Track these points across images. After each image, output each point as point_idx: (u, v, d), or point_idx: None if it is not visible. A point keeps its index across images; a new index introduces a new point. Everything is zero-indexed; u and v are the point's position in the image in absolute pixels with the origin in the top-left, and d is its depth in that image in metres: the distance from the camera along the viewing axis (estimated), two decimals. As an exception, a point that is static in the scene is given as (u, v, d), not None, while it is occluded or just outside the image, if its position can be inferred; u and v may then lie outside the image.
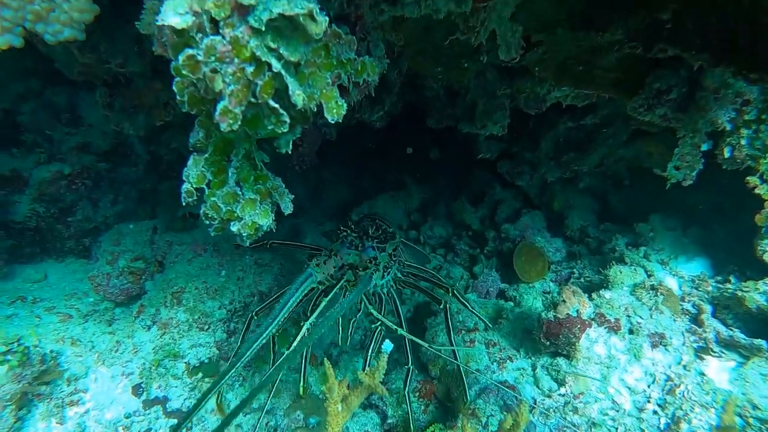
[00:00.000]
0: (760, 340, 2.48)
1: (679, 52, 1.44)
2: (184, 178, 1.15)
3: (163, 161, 4.03)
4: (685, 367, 2.55)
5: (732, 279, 2.88)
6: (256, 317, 2.46)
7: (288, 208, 1.35)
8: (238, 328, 2.86)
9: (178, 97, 1.06)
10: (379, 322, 2.29)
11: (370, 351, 2.21)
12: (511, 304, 3.31)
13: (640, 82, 1.94)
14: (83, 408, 2.51)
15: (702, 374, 2.53)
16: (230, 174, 1.24)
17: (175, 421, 2.61)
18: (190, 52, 0.86)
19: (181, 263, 3.03)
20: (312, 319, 2.01)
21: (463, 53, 1.67)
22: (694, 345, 2.60)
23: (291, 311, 1.82)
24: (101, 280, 2.99)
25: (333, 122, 1.00)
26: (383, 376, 1.82)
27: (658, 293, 2.77)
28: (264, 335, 1.65)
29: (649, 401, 2.54)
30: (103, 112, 2.45)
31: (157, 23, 0.85)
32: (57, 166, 3.46)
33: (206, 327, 2.81)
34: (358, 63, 1.09)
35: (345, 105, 0.99)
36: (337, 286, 2.15)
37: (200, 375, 2.77)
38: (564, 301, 2.70)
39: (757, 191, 2.34)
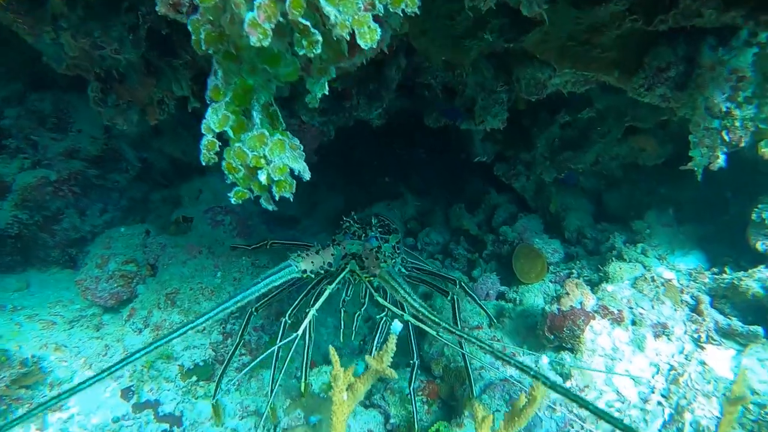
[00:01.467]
0: (756, 326, 2.48)
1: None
2: (203, 131, 1.09)
3: (155, 168, 3.97)
4: (687, 356, 2.53)
5: (728, 270, 2.90)
6: (255, 312, 2.38)
7: (306, 172, 1.28)
8: (234, 329, 2.76)
9: (193, 37, 1.02)
10: (384, 313, 2.23)
11: (376, 340, 2.14)
12: (512, 305, 3.27)
13: (639, 62, 1.97)
14: (66, 413, 2.37)
15: (703, 363, 2.50)
16: (255, 116, 1.16)
17: (167, 425, 2.48)
18: None
19: (176, 265, 2.94)
20: (318, 305, 1.94)
21: (467, 32, 1.68)
22: (695, 335, 2.58)
23: (260, 295, 1.72)
24: (90, 283, 2.88)
25: (366, 48, 0.96)
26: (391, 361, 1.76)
27: (659, 284, 2.76)
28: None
29: (653, 392, 2.51)
30: (95, 108, 2.40)
31: None
32: (43, 171, 3.37)
33: (201, 329, 2.71)
34: None
35: (379, 30, 0.96)
36: (341, 275, 2.09)
37: (194, 378, 2.65)
38: (567, 293, 2.68)
39: None
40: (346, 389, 1.81)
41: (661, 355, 2.56)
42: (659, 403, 2.52)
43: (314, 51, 0.93)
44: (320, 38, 0.92)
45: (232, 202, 1.22)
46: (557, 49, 1.96)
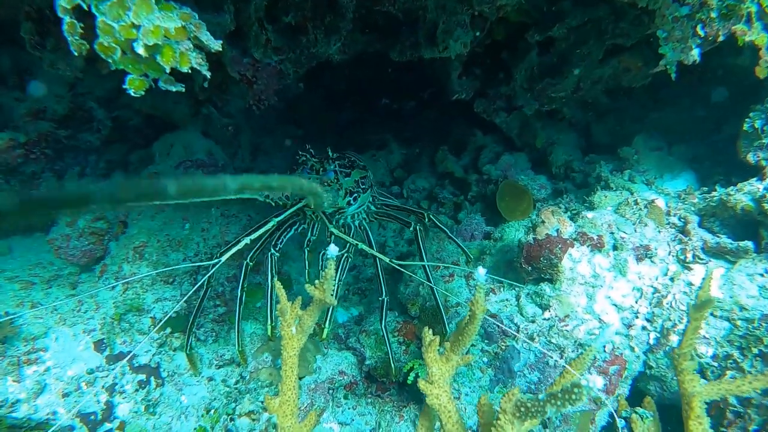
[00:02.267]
0: (746, 241, 2.34)
1: None
2: (59, 13, 0.99)
3: (129, 127, 3.88)
4: (672, 278, 2.41)
5: (718, 188, 2.74)
6: (250, 263, 2.29)
7: (213, 43, 1.16)
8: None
9: None
10: (345, 249, 2.16)
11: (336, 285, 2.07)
12: (493, 241, 3.18)
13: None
14: (43, 367, 2.38)
15: (690, 284, 2.39)
16: None
17: (144, 376, 2.48)
18: None
19: (144, 219, 2.90)
20: (279, 246, 1.87)
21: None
22: (681, 255, 2.46)
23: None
24: (61, 242, 2.86)
25: None
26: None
27: (642, 207, 2.63)
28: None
29: (637, 317, 2.41)
30: (34, 53, 2.29)
31: None
32: (10, 134, 3.30)
33: (171, 280, 2.68)
34: None
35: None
36: (293, 208, 2.02)
37: (168, 330, 2.64)
38: (543, 221, 2.57)
39: (747, 38, 2.03)
40: (295, 323, 1.75)
41: (644, 278, 2.45)
42: (644, 328, 2.43)
43: None
44: None
45: (132, 94, 1.12)
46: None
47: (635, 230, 2.57)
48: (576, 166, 3.57)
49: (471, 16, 2.64)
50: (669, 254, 2.47)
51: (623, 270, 2.47)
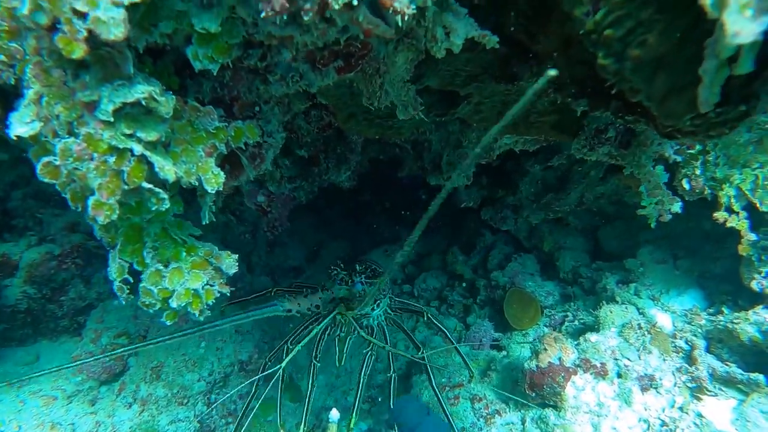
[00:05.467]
0: (757, 374, 2.33)
1: (565, 99, 1.46)
2: (110, 278, 1.16)
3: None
4: (681, 408, 2.39)
5: (725, 310, 2.75)
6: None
7: (232, 267, 1.34)
8: (218, 399, 2.81)
9: (63, 195, 1.09)
10: (369, 348, 2.43)
11: (362, 373, 2.38)
12: (502, 354, 3.20)
13: (579, 124, 1.94)
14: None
15: (701, 416, 2.37)
16: (146, 254, 1.25)
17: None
18: (45, 159, 0.90)
19: (163, 336, 3.02)
20: (303, 342, 2.11)
21: (390, 114, 1.70)
22: (689, 385, 2.45)
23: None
24: (84, 359, 2.99)
25: (213, 192, 1.02)
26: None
27: (646, 333, 2.65)
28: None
29: (646, 451, 2.39)
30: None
31: (10, 135, 0.89)
32: (47, 247, 3.55)
33: (185, 401, 2.76)
34: (232, 129, 1.13)
35: (222, 174, 1.02)
36: (330, 316, 2.33)
37: (181, 451, 2.70)
38: (545, 349, 2.61)
39: (729, 224, 2.27)
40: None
41: (650, 409, 2.44)
42: (653, 462, 2.40)
43: (163, 207, 0.97)
44: (166, 196, 0.96)
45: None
46: (494, 117, 1.95)
47: (639, 357, 2.59)
48: (583, 272, 3.61)
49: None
50: (675, 385, 2.46)
51: (628, 400, 2.47)
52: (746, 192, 2.11)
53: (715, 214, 2.25)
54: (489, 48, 1.22)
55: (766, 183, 2.11)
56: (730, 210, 2.23)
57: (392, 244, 4.80)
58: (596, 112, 1.53)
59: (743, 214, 2.23)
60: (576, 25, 1.03)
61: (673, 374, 2.50)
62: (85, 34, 0.75)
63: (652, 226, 2.16)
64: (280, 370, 2.37)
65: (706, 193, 2.20)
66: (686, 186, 2.20)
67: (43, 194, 3.73)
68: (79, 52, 0.75)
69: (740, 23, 0.53)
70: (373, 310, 2.64)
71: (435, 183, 2.92)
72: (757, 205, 2.21)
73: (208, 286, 1.30)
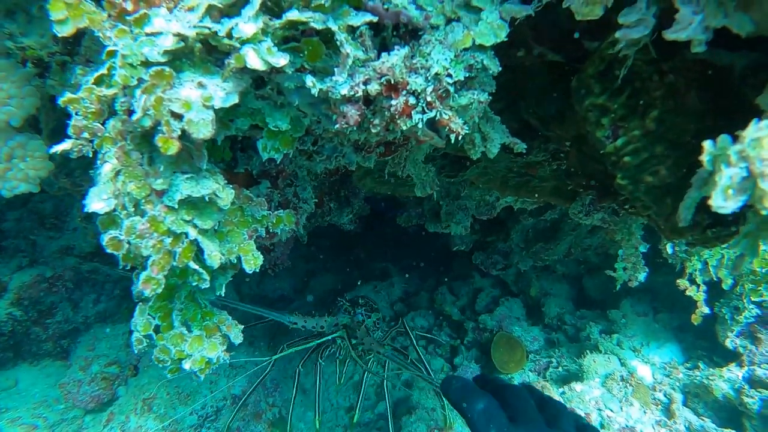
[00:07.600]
0: (729, 430, 2.47)
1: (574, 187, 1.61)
2: (132, 328, 1.23)
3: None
4: (660, 463, 2.51)
5: (701, 365, 2.91)
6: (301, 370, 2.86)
7: (238, 338, 1.42)
8: (209, 433, 2.81)
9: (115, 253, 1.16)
10: (366, 367, 2.69)
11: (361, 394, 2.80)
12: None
13: (576, 190, 2.09)
14: None
15: (680, 470, 2.48)
16: (174, 317, 1.32)
17: None
18: (112, 234, 0.98)
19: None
20: (298, 348, 2.69)
21: (406, 180, 1.83)
22: (669, 439, 2.57)
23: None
24: (72, 387, 2.97)
25: (251, 272, 1.12)
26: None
27: (628, 385, 2.78)
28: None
29: (627, 503, 2.48)
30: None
31: (85, 210, 0.97)
32: (38, 269, 3.53)
33: (176, 435, 2.76)
34: (273, 217, 1.23)
35: (261, 258, 1.12)
36: (331, 335, 2.70)
37: (169, 488, 2.68)
38: (534, 396, 2.70)
39: (688, 293, 2.48)
40: None
41: (632, 461, 2.54)
42: None
43: (203, 286, 1.06)
44: (207, 277, 1.05)
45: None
46: (498, 179, 2.09)
47: (621, 408, 2.70)
48: (568, 319, 3.75)
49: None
50: (655, 438, 2.58)
51: (612, 451, 2.57)
52: (710, 268, 2.36)
53: (678, 281, 2.47)
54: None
55: (728, 263, 2.36)
56: (692, 281, 2.46)
57: (381, 281, 4.88)
58: (603, 204, 1.68)
59: (703, 287, 2.47)
60: (591, 135, 1.17)
61: (653, 427, 2.62)
62: (179, 133, 0.84)
63: (617, 288, 2.42)
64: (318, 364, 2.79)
65: (680, 259, 2.41)
66: (669, 251, 2.39)
67: (39, 215, 3.73)
68: (174, 149, 0.85)
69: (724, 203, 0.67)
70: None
71: (433, 230, 3.04)
72: (721, 283, 2.46)
73: (220, 356, 1.37)
